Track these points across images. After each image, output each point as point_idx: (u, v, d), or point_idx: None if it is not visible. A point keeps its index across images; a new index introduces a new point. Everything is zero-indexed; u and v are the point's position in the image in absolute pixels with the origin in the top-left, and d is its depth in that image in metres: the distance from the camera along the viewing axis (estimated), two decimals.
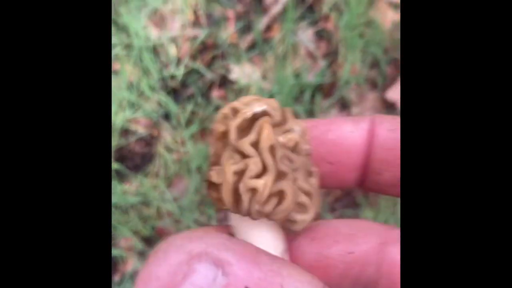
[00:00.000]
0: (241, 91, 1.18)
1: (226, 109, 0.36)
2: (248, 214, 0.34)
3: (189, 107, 1.17)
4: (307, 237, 0.39)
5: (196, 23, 1.26)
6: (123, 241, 1.10)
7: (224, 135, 0.35)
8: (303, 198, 0.35)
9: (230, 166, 0.34)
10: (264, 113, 0.35)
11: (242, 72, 1.19)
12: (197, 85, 1.20)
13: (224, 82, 1.20)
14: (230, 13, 1.25)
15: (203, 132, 1.16)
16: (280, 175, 0.34)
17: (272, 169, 0.33)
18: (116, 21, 1.25)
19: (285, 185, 0.33)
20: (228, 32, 1.23)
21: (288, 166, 0.35)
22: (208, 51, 1.23)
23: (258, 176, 0.33)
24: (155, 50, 1.22)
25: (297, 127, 0.36)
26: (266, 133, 0.34)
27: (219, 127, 0.35)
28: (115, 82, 1.20)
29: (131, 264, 1.09)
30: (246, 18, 1.24)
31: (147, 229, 1.10)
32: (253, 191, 0.33)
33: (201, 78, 1.21)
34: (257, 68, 1.19)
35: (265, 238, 0.36)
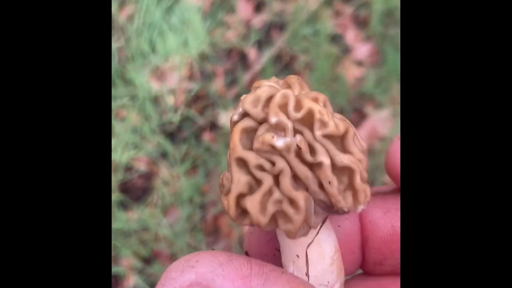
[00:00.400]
0: (228, 134, 1.40)
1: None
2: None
3: (184, 148, 1.38)
4: (380, 210, 0.38)
5: (191, 77, 1.49)
6: (125, 260, 1.29)
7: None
8: (286, 207, 0.32)
9: (220, 179, 0.35)
10: (246, 113, 0.34)
11: (228, 118, 1.41)
12: (191, 130, 1.41)
13: (214, 127, 1.42)
14: (219, 70, 1.49)
15: (195, 169, 1.37)
16: (255, 186, 0.33)
17: (236, 186, 0.32)
18: (124, 76, 1.48)
19: (250, 200, 0.32)
20: (217, 85, 1.46)
21: (267, 171, 0.32)
22: (200, 101, 1.46)
23: (227, 192, 0.33)
24: (156, 100, 1.45)
25: (283, 118, 0.33)
26: (232, 144, 0.33)
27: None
28: (122, 126, 1.41)
29: (132, 280, 1.28)
30: (233, 74, 1.47)
31: (146, 251, 1.29)
32: (224, 209, 0.33)
33: (194, 123, 1.43)
34: None
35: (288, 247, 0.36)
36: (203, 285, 0.29)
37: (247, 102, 0.33)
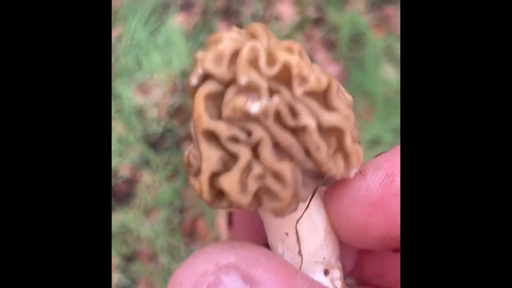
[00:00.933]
0: None
1: (195, 62, 0.29)
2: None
3: (165, 156, 1.50)
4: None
5: (173, 92, 1.62)
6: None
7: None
8: (270, 183, 0.28)
9: (185, 156, 0.30)
10: (207, 75, 0.28)
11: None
12: (172, 139, 1.54)
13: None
14: None
15: (175, 175, 1.49)
16: (228, 163, 0.28)
17: (207, 164, 0.27)
18: (112, 90, 1.61)
19: (226, 179, 0.27)
20: None
21: (243, 142, 0.27)
22: (181, 113, 1.58)
23: (197, 173, 0.28)
24: (141, 113, 1.57)
25: (256, 76, 0.27)
26: (196, 115, 0.27)
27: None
28: None
29: (116, 277, 1.38)
30: None
31: (129, 250, 1.40)
32: (195, 192, 0.28)
33: (175, 134, 1.55)
34: None
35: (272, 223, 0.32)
36: (243, 271, 0.25)
37: (208, 60, 0.27)
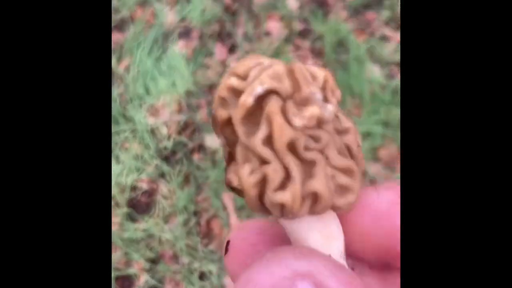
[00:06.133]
0: (213, 153, 1.69)
1: (223, 91, 0.29)
2: (283, 217, 0.29)
3: (178, 167, 1.67)
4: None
5: (180, 111, 1.79)
6: (136, 263, 1.55)
7: (229, 121, 0.29)
8: (342, 179, 0.29)
9: (248, 178, 0.28)
10: (269, 92, 0.28)
11: (212, 140, 1.71)
12: (182, 152, 1.71)
13: (201, 148, 1.72)
14: (202, 102, 1.80)
15: (188, 183, 1.65)
16: (308, 170, 0.28)
17: (297, 173, 0.27)
18: (125, 115, 1.80)
19: (317, 182, 0.27)
20: (201, 115, 1.77)
21: (315, 149, 0.28)
22: (189, 128, 1.75)
23: (283, 185, 0.28)
24: (152, 132, 1.75)
25: (315, 87, 0.28)
26: (278, 128, 0.27)
27: (221, 114, 0.29)
28: (126, 155, 1.71)
29: (143, 279, 1.53)
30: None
31: (153, 253, 1.56)
32: (281, 205, 0.28)
33: (185, 147, 1.72)
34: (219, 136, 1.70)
35: (316, 234, 0.31)
36: (316, 280, 0.26)
37: (269, 79, 0.27)
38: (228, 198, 1.60)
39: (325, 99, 0.29)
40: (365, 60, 1.81)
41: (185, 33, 1.94)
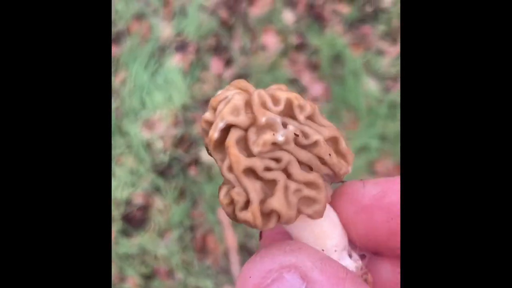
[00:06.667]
0: (209, 167, 1.68)
1: (202, 123, 0.34)
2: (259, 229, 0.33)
3: (173, 182, 1.66)
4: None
5: (176, 124, 1.79)
6: (130, 279, 1.54)
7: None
8: (307, 192, 0.33)
9: (223, 198, 0.33)
10: (230, 125, 0.32)
11: (208, 155, 1.70)
12: (178, 166, 1.70)
13: (197, 162, 1.71)
14: (199, 116, 1.79)
15: (183, 198, 1.64)
16: (270, 188, 0.32)
17: (254, 195, 0.31)
18: (121, 129, 1.79)
19: (275, 200, 0.31)
20: (198, 129, 1.76)
21: (276, 169, 0.32)
22: (185, 142, 1.75)
23: (246, 206, 0.32)
24: (148, 146, 1.74)
25: (271, 115, 0.32)
26: (234, 158, 0.31)
27: (205, 142, 0.34)
28: (121, 170, 1.70)
29: None
30: None
31: (147, 269, 1.54)
32: (246, 222, 0.32)
33: (180, 161, 1.71)
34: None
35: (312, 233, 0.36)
36: (301, 271, 0.30)
37: (227, 114, 0.32)
38: (223, 213, 1.59)
39: (289, 119, 0.34)
40: (361, 74, 1.81)
41: (182, 47, 1.94)
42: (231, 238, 1.53)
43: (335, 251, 0.36)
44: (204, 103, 1.81)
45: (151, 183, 1.67)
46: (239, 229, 1.57)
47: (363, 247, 0.38)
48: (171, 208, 1.62)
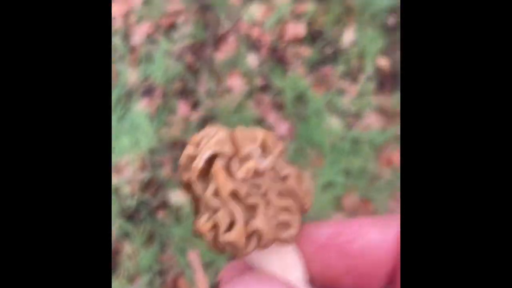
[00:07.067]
0: (178, 209, 1.69)
1: (183, 158, 0.36)
2: (238, 256, 0.35)
3: (141, 226, 1.65)
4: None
5: (143, 168, 1.80)
6: None
7: (190, 182, 0.35)
8: (283, 217, 0.35)
9: (205, 224, 0.34)
10: (215, 155, 0.35)
11: (176, 197, 1.71)
12: (146, 210, 1.70)
13: (165, 205, 1.71)
14: (166, 159, 1.81)
15: (152, 242, 1.63)
16: (251, 212, 0.34)
17: (240, 215, 0.34)
18: None
19: (258, 221, 0.34)
20: (166, 171, 1.77)
21: (256, 194, 0.35)
22: (152, 186, 1.76)
23: (230, 227, 0.34)
24: (116, 191, 1.74)
25: (253, 147, 0.35)
26: (221, 181, 0.34)
27: (185, 177, 0.36)
28: None
29: None
30: (177, 161, 1.78)
31: None
32: (231, 243, 0.33)
33: (148, 205, 1.71)
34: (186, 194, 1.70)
35: (277, 264, 0.37)
36: None
37: (213, 145, 0.35)
38: (194, 255, 1.58)
39: (264, 154, 0.36)
40: (324, 112, 1.87)
41: (148, 91, 1.98)
42: (202, 280, 1.52)
43: (301, 283, 0.38)
44: (172, 146, 1.83)
45: (119, 228, 1.66)
46: (210, 271, 1.56)
47: (321, 285, 0.39)
48: (140, 253, 1.60)
